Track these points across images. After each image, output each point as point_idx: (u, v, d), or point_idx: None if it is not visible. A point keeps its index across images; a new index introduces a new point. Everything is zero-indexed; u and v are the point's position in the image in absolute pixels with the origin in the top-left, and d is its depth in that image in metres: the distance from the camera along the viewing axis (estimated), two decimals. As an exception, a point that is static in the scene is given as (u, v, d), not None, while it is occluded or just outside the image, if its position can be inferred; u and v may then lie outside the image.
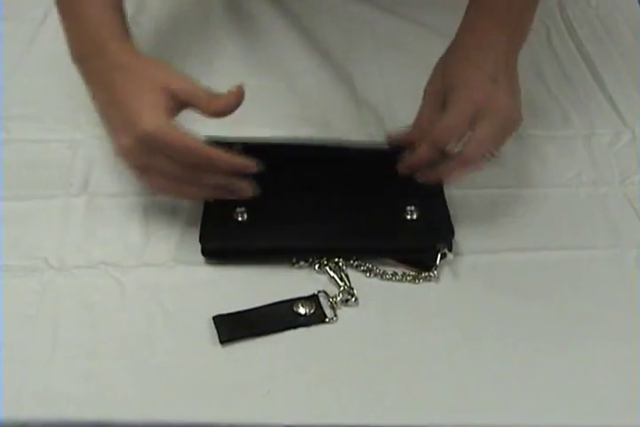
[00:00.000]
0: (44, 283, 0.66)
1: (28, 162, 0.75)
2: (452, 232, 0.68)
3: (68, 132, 0.78)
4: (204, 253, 0.67)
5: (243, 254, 0.68)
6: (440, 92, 0.67)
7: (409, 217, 0.68)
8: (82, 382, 0.60)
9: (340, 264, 0.68)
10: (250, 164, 0.63)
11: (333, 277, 0.67)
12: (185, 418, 0.59)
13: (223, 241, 0.68)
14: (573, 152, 0.79)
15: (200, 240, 0.67)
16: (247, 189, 0.65)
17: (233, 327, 0.63)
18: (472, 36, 0.70)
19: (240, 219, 0.68)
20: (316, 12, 0.93)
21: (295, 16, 0.92)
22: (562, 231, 0.72)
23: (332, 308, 0.65)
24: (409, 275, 0.67)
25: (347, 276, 0.67)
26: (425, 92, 0.70)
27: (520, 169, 0.77)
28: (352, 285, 0.66)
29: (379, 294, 0.66)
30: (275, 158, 0.65)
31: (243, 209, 0.68)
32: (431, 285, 0.67)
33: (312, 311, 0.64)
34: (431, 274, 0.67)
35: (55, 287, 0.66)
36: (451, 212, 0.70)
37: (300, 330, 0.64)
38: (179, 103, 0.64)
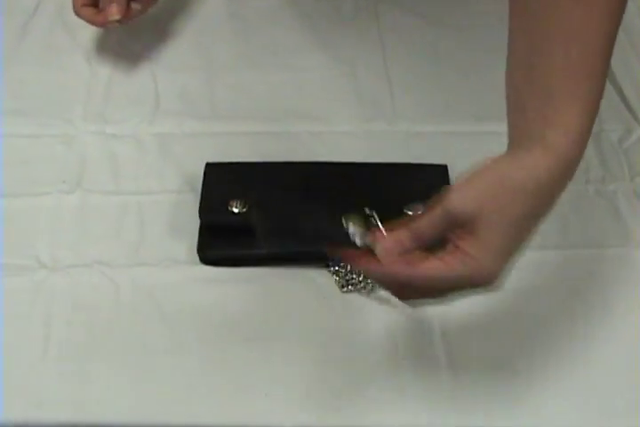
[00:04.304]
0: (37, 282, 0.67)
1: (20, 158, 0.77)
2: None
3: (61, 126, 0.79)
4: (202, 261, 0.69)
5: (242, 262, 0.70)
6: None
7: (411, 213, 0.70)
8: (75, 384, 0.61)
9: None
10: None
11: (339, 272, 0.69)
12: (181, 421, 0.60)
13: (222, 250, 0.70)
14: (581, 148, 0.80)
15: (198, 251, 0.69)
16: None
17: None
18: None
19: (237, 210, 0.69)
20: (318, 4, 0.94)
21: (297, 8, 0.93)
22: (569, 229, 0.73)
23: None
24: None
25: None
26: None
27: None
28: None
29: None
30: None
31: (239, 201, 0.69)
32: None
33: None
34: None
35: (48, 287, 0.67)
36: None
37: (300, 331, 0.65)
38: None
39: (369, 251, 0.55)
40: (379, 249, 0.54)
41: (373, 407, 0.61)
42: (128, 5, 0.78)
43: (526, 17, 0.56)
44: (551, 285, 0.68)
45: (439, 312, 0.66)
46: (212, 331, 0.65)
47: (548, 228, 0.70)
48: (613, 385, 0.62)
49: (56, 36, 0.86)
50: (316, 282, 0.69)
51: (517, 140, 0.55)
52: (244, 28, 0.90)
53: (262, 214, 0.69)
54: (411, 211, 0.68)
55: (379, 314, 0.67)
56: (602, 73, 0.55)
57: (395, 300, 0.65)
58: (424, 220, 0.54)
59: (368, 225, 0.59)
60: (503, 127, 0.57)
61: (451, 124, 0.82)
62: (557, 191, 0.53)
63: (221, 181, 0.72)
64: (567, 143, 0.53)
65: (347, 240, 0.66)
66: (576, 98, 0.54)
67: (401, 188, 0.72)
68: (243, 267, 0.69)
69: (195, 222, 0.70)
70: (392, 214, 0.68)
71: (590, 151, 0.79)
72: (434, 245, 0.54)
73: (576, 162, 0.54)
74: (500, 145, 0.77)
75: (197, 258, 0.69)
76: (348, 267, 0.69)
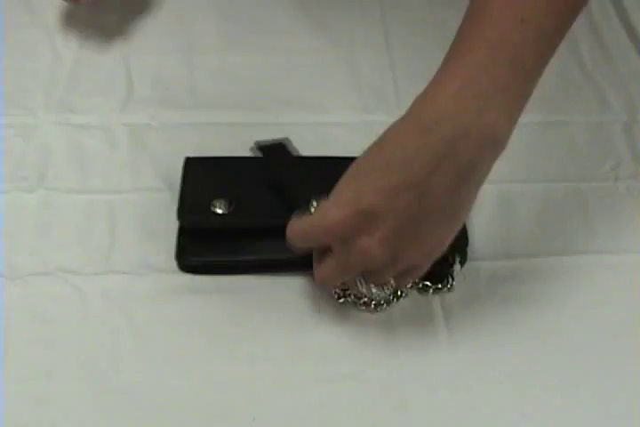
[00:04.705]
0: (-8, 292, 0.66)
1: (-28, 152, 0.75)
2: (466, 242, 0.67)
3: (19, 116, 0.77)
4: (181, 268, 0.68)
5: (227, 269, 0.68)
6: None
7: None
8: (37, 407, 0.59)
9: None
10: None
11: None
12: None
13: (204, 256, 0.68)
14: (611, 141, 0.78)
15: (176, 257, 0.68)
16: None
17: None
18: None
19: (220, 211, 0.67)
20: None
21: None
22: (596, 232, 0.71)
23: None
24: (419, 283, 0.66)
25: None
26: None
27: (547, 161, 0.76)
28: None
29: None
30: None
31: (223, 201, 0.67)
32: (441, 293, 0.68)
33: None
34: (445, 288, 0.67)
35: (5, 298, 0.65)
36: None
37: (292, 348, 0.63)
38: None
39: None
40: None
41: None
42: None
43: None
44: (578, 292, 0.67)
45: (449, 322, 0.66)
46: (192, 347, 0.63)
47: (571, 231, 0.72)
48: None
49: (14, 13, 0.85)
50: (309, 292, 0.67)
51: None
52: (227, 5, 0.89)
53: (249, 216, 0.68)
54: None
55: (379, 326, 0.65)
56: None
57: (396, 310, 0.66)
58: None
59: None
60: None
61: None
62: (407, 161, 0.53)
63: (203, 177, 0.70)
64: (421, 112, 0.53)
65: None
66: (463, 62, 0.53)
67: None
68: (227, 275, 0.67)
69: (173, 225, 0.68)
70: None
71: (620, 144, 0.78)
72: None
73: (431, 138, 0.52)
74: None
75: (175, 265, 0.68)
76: None
